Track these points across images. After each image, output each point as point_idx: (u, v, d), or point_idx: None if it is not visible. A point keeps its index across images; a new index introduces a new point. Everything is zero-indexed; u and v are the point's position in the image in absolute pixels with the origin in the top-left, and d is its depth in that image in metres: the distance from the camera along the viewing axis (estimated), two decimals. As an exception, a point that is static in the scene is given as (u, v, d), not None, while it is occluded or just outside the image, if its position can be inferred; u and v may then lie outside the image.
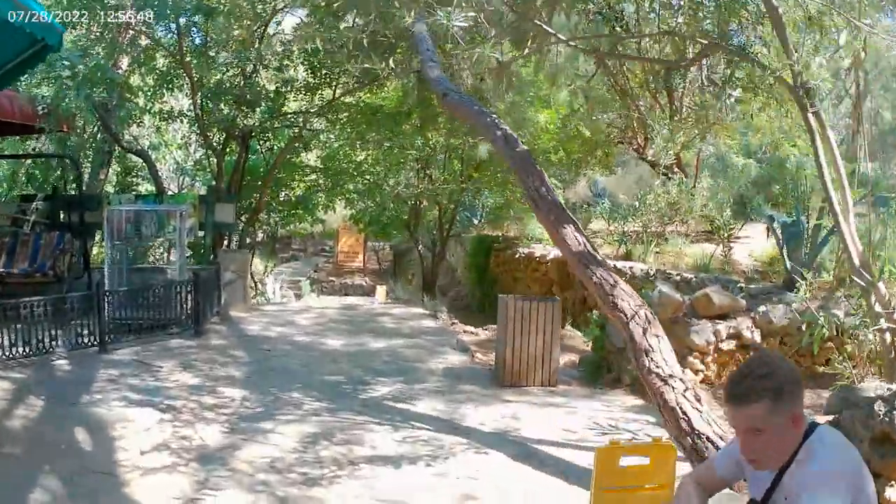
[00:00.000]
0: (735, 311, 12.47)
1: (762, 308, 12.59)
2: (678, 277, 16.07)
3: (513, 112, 20.53)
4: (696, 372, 11.97)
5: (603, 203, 27.91)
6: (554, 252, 22.71)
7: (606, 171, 28.91)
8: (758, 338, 12.31)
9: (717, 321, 12.20)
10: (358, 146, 23.63)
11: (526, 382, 11.96)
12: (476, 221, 29.74)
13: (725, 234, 18.81)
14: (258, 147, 22.80)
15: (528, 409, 10.73)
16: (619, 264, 18.89)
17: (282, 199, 24.45)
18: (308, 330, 16.24)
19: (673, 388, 7.94)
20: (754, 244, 19.71)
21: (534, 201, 9.76)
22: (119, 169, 25.65)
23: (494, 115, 11.18)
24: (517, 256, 24.62)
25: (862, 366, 11.22)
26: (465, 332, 17.01)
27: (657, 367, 8.15)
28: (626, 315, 8.58)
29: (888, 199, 14.94)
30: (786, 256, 14.19)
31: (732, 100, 15.79)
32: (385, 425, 9.79)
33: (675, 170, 25.59)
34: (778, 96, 21.55)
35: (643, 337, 8.38)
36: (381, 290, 28.76)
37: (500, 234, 27.75)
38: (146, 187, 24.63)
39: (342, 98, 21.38)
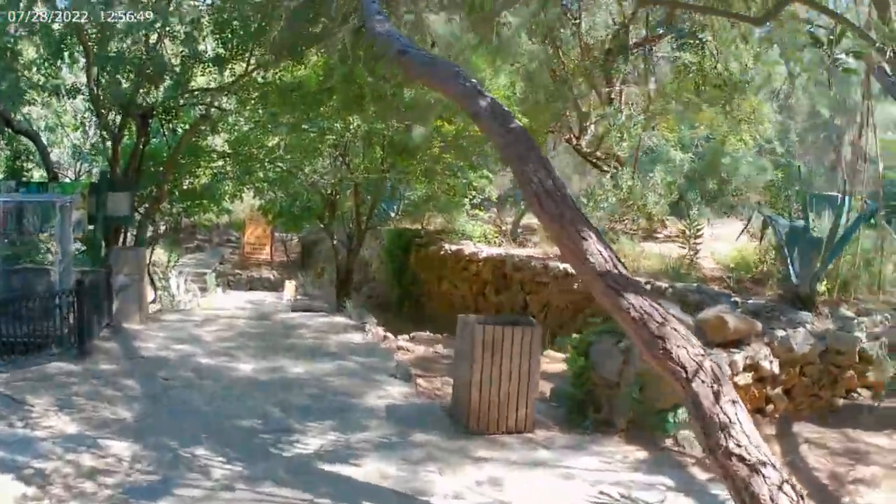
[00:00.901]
0: (751, 335, 9.66)
1: (780, 332, 9.88)
2: (649, 286, 13.24)
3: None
4: (706, 415, 9.18)
5: (527, 196, 25.05)
6: (489, 250, 19.78)
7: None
8: (776, 369, 9.55)
9: (732, 349, 9.44)
10: (270, 129, 20.28)
11: (497, 428, 8.91)
12: (393, 214, 26.62)
13: (691, 234, 16.06)
14: (160, 128, 19.55)
15: (511, 472, 7.81)
16: (569, 267, 16.12)
17: (185, 187, 21.07)
18: (214, 348, 13.08)
19: (765, 478, 5.22)
20: (710, 245, 17.28)
21: (537, 198, 6.73)
22: (9, 153, 21.87)
23: (474, 80, 8.03)
24: (443, 253, 21.69)
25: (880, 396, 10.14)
26: (399, 348, 13.81)
27: (740, 447, 5.38)
28: (685, 370, 5.71)
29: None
30: (791, 265, 11.41)
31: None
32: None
33: (615, 163, 22.96)
34: (731, 87, 19.24)
35: (715, 404, 5.56)
36: (289, 286, 27.33)
37: (421, 228, 24.77)
38: (42, 174, 21.01)
39: (254, 74, 18.12)
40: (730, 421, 5.45)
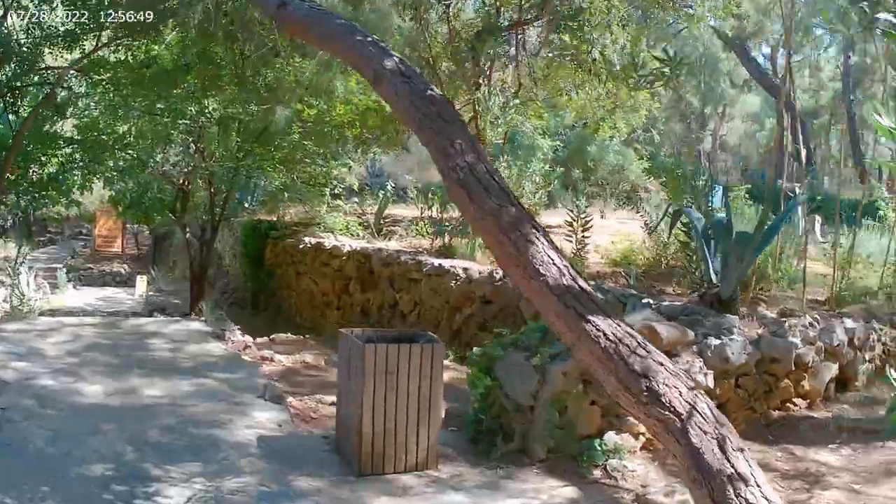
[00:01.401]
0: (683, 345, 8.24)
1: (713, 341, 8.47)
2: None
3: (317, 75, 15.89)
4: (636, 436, 7.92)
5: (387, 185, 23.24)
6: (352, 244, 18.08)
7: (397, 148, 24.31)
8: (710, 382, 8.15)
9: (663, 364, 7.90)
10: (121, 114, 18.15)
11: (395, 468, 7.19)
12: (247, 205, 24.63)
13: (579, 226, 14.67)
14: (5, 111, 17.34)
15: (419, 526, 6.10)
16: (445, 263, 14.56)
17: (31, 176, 18.60)
18: (59, 365, 10.86)
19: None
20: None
21: (465, 189, 5.09)
22: None
23: (375, 37, 6.27)
24: (301, 247, 19.85)
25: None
26: (262, 359, 11.92)
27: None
28: (679, 417, 4.16)
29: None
30: (710, 263, 10.05)
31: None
32: None
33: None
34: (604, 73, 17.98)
35: (722, 456, 4.03)
36: (141, 281, 26.33)
37: (277, 220, 22.87)
38: None
39: (105, 50, 16.06)
40: (744, 477, 3.98)
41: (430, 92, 5.56)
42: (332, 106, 18.59)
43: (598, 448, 7.44)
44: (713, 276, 9.97)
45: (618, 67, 19.26)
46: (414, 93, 5.55)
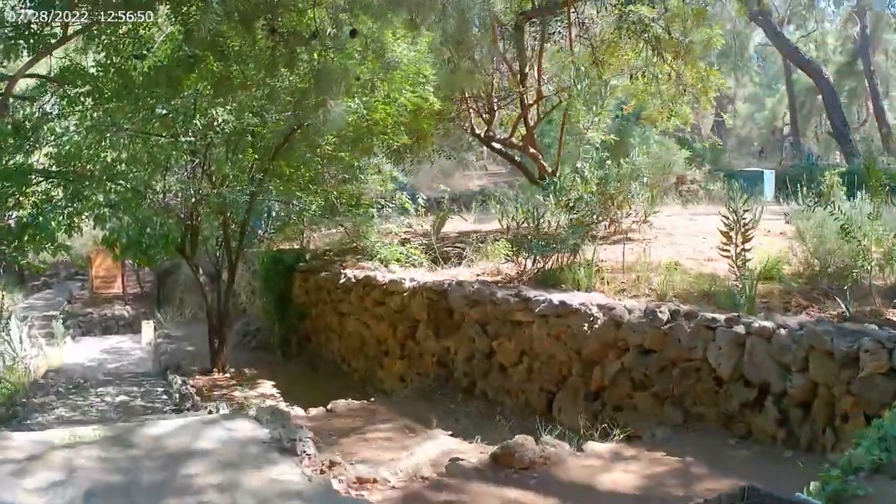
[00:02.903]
0: None
1: None
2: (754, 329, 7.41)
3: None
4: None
5: (417, 197, 18.64)
6: (419, 277, 13.44)
7: (430, 156, 19.66)
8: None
9: None
10: (108, 137, 13.43)
11: None
12: (261, 232, 19.87)
13: (739, 229, 10.00)
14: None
15: None
16: (569, 299, 10.10)
17: (7, 221, 14.15)
18: None
19: None
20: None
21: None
22: None
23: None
24: (343, 282, 15.21)
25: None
26: (360, 482, 7.07)
27: None
28: None
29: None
30: None
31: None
32: None
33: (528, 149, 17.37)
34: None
35: None
36: (147, 327, 22.43)
37: (302, 249, 18.21)
38: None
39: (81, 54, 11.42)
40: None
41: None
42: (373, 107, 13.88)
43: None
44: None
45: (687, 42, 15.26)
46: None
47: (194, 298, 21.23)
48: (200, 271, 16.74)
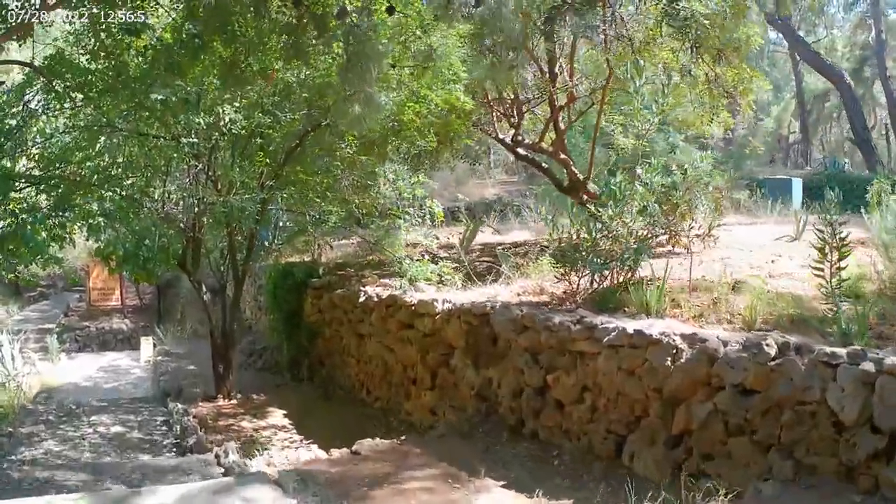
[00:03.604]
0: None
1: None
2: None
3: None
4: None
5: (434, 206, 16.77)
6: (452, 298, 11.64)
7: (451, 162, 17.91)
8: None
9: None
10: (102, 140, 11.65)
11: None
12: (268, 243, 17.96)
13: (835, 249, 8.26)
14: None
15: None
16: (645, 326, 8.43)
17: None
18: None
19: None
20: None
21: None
22: None
23: None
24: (363, 301, 13.41)
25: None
26: None
27: None
28: None
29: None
30: None
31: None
32: None
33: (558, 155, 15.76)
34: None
35: None
36: (146, 345, 21.11)
37: (314, 263, 16.48)
38: None
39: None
40: None
41: None
42: (402, 109, 12.08)
43: None
44: None
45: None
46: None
47: (196, 312, 19.78)
48: (203, 288, 15.01)
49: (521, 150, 17.17)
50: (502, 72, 12.70)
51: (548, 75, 15.28)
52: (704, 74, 15.06)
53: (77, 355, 23.00)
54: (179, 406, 13.74)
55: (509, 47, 12.86)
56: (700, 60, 14.73)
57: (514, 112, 16.20)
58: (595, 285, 10.19)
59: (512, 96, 16.04)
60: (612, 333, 8.53)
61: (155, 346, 20.86)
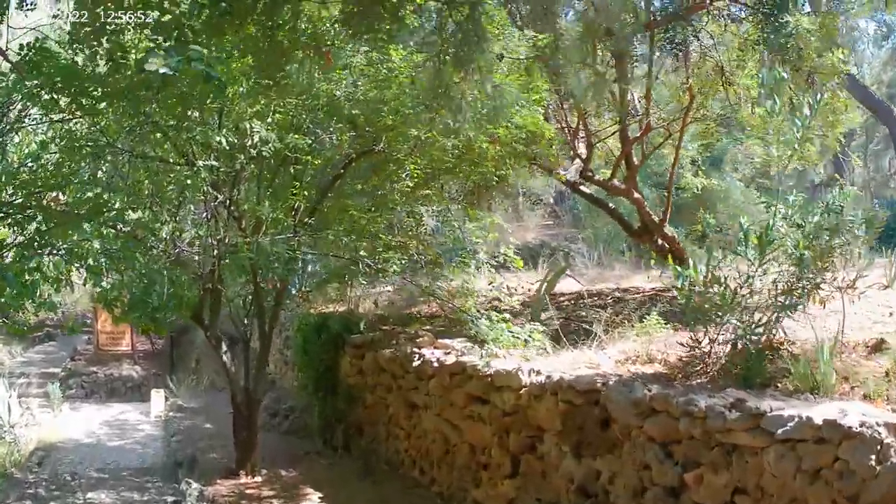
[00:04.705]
0: None
1: None
2: None
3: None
4: None
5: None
6: (536, 367, 8.90)
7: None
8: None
9: None
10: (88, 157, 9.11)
11: None
12: (295, 290, 15.22)
13: None
14: None
15: None
16: (832, 414, 5.77)
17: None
18: None
19: None
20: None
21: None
22: None
23: None
24: (416, 365, 10.77)
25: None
26: None
27: None
28: None
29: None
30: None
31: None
32: None
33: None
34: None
35: None
36: (157, 397, 18.67)
37: (351, 313, 13.96)
38: None
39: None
40: None
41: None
42: (478, 136, 9.38)
43: None
44: None
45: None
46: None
47: (213, 364, 17.32)
48: (224, 346, 12.43)
49: (584, 188, 14.82)
50: (604, 87, 10.12)
51: (621, 102, 13.00)
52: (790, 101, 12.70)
53: (81, 405, 20.58)
54: (194, 486, 11.11)
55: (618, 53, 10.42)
56: (793, 85, 12.41)
57: (585, 143, 13.79)
58: (732, 352, 7.56)
59: (581, 125, 13.69)
60: (790, 424, 5.88)
61: (167, 399, 18.59)
